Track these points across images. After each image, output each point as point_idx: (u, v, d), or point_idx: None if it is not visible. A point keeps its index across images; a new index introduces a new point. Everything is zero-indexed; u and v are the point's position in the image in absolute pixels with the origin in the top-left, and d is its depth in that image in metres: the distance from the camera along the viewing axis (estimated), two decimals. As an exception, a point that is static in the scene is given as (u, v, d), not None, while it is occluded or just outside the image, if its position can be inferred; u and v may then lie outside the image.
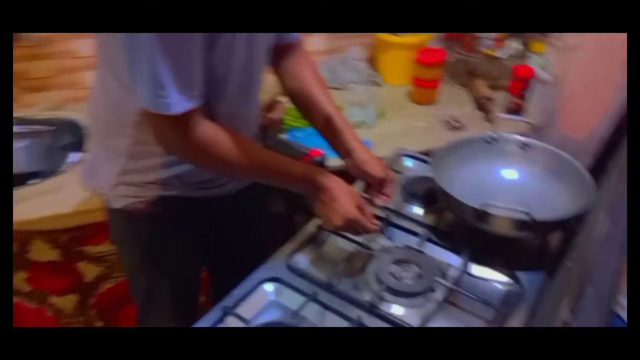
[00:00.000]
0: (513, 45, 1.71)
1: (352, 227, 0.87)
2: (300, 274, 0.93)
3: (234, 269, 0.97)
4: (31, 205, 1.19)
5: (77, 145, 1.43)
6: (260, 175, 0.87)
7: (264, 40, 0.87)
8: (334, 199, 0.85)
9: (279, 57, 0.98)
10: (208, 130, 0.77)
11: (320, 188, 0.86)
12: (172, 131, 0.75)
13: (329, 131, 0.98)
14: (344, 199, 0.85)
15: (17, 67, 1.52)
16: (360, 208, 0.87)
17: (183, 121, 0.74)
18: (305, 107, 1.00)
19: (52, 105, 1.59)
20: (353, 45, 1.82)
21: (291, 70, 1.00)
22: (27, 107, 1.56)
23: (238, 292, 0.88)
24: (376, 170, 0.95)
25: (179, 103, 0.71)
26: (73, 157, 1.41)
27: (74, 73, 1.60)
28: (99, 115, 0.88)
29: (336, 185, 0.86)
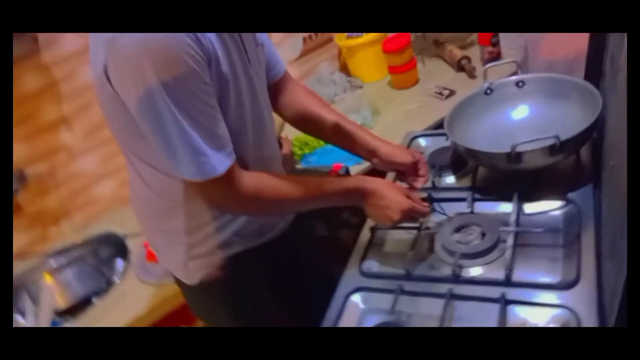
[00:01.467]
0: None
1: (409, 216, 0.92)
2: (377, 276, 0.97)
3: (311, 298, 1.02)
4: (106, 322, 1.23)
5: (119, 252, 1.48)
6: (308, 203, 0.91)
7: (261, 82, 0.93)
8: (383, 197, 0.91)
9: (274, 95, 1.05)
10: (251, 179, 0.83)
11: (367, 193, 0.91)
12: (222, 191, 0.80)
13: (344, 139, 1.04)
14: (392, 194, 0.91)
15: (32, 208, 1.57)
16: (408, 197, 0.93)
17: (228, 178, 0.79)
18: (313, 125, 1.06)
19: (79, 227, 1.64)
20: (322, 62, 1.90)
21: (288, 99, 1.06)
22: (57, 239, 1.61)
23: (331, 313, 0.93)
24: (405, 157, 1.01)
25: (220, 163, 0.77)
26: (121, 264, 1.46)
27: (86, 191, 1.66)
28: (146, 206, 0.93)
29: (379, 184, 0.92)
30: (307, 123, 1.05)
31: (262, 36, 0.97)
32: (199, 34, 0.71)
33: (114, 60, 0.69)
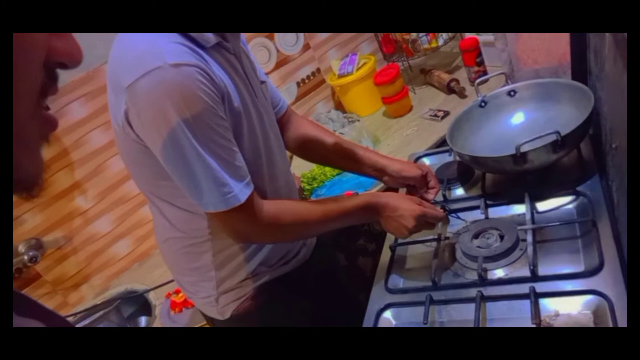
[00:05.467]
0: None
1: (424, 221, 0.95)
2: (404, 290, 0.98)
3: (342, 323, 1.02)
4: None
5: (142, 307, 1.48)
6: (328, 223, 0.93)
7: (269, 115, 0.97)
8: (395, 209, 0.93)
9: (281, 130, 1.09)
10: (271, 205, 0.86)
11: (380, 206, 0.94)
12: (244, 220, 0.83)
13: (351, 160, 1.07)
14: (404, 204, 0.94)
15: (51, 275, 1.59)
16: (420, 204, 0.95)
17: (249, 206, 0.82)
18: (317, 149, 1.10)
19: (99, 290, 1.65)
20: (318, 103, 1.97)
21: (292, 130, 1.11)
22: (79, 303, 1.62)
23: (365, 332, 0.93)
24: (414, 171, 1.04)
25: (242, 191, 0.80)
26: (144, 319, 1.46)
27: (103, 253, 1.68)
28: (173, 247, 0.95)
29: (391, 197, 0.95)
30: (311, 148, 1.09)
31: (263, 75, 1.03)
32: (210, 73, 0.75)
33: (134, 104, 0.73)
